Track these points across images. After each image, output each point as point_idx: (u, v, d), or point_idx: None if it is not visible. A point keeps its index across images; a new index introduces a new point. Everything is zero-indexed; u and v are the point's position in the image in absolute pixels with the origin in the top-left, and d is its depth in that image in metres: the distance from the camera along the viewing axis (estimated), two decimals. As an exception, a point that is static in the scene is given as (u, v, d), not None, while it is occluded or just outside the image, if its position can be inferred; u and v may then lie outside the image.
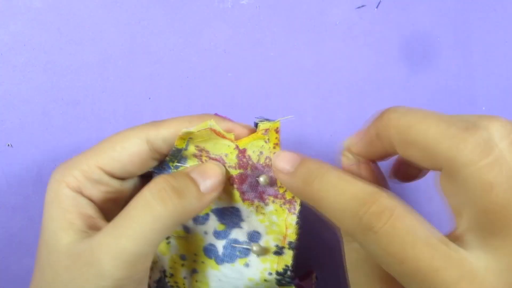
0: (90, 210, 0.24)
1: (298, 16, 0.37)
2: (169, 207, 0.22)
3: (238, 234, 0.27)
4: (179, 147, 0.25)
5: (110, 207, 0.26)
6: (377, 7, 0.38)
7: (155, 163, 0.26)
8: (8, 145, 0.34)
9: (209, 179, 0.24)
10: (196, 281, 0.27)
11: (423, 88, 0.39)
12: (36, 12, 0.34)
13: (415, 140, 0.19)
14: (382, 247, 0.19)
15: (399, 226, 0.19)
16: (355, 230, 0.20)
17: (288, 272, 0.26)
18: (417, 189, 0.38)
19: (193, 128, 0.24)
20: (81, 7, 0.35)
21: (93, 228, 0.24)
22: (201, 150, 0.25)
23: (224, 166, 0.25)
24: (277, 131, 0.24)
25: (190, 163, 0.26)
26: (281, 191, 0.25)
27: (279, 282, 0.27)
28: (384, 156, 0.23)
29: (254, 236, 0.26)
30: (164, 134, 0.25)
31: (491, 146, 0.18)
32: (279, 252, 0.26)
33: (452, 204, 0.20)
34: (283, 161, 0.23)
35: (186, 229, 0.27)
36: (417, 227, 0.19)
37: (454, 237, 0.19)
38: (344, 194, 0.20)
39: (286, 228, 0.26)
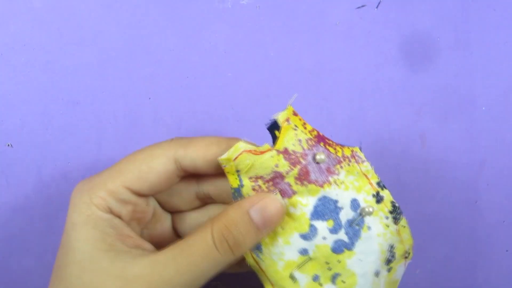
0: (127, 230, 0.25)
1: (298, 16, 0.37)
2: (229, 256, 0.24)
3: (347, 214, 0.27)
4: (235, 186, 0.25)
5: (135, 227, 0.27)
6: (377, 7, 0.38)
7: (178, 180, 0.27)
8: (8, 145, 0.34)
9: (268, 215, 0.25)
10: (343, 281, 0.27)
11: (423, 88, 0.39)
12: (36, 12, 0.34)
13: None
14: None
15: None
16: None
17: (396, 204, 0.27)
18: (417, 189, 0.38)
19: (226, 155, 0.24)
20: (81, 7, 0.35)
21: (136, 247, 0.24)
22: (256, 179, 0.26)
23: (285, 176, 0.26)
24: (295, 114, 0.25)
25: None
26: (339, 154, 0.27)
27: (395, 219, 0.27)
28: None
29: (355, 205, 0.27)
30: (192, 155, 0.25)
31: None
32: (379, 199, 0.27)
33: None
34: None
35: (304, 252, 0.27)
36: None
37: None
38: None
39: (366, 176, 0.27)
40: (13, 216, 0.34)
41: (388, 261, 0.28)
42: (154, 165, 0.25)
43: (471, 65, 0.39)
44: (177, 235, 0.30)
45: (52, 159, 0.34)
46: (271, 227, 0.25)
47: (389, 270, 0.28)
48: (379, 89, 0.38)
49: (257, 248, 0.27)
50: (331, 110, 0.37)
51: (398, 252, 0.28)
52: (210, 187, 0.28)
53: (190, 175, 0.27)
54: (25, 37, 0.34)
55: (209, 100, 0.36)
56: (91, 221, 0.24)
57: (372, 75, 0.38)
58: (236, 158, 0.25)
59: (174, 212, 0.30)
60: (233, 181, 0.26)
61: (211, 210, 0.29)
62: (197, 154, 0.25)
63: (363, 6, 0.38)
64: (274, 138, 0.26)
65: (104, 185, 0.24)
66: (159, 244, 0.26)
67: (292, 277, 0.27)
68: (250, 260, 0.27)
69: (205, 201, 0.29)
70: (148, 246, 0.25)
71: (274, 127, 0.26)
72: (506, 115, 0.40)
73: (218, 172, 0.26)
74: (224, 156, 0.25)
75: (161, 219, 0.29)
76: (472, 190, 0.39)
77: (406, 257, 0.28)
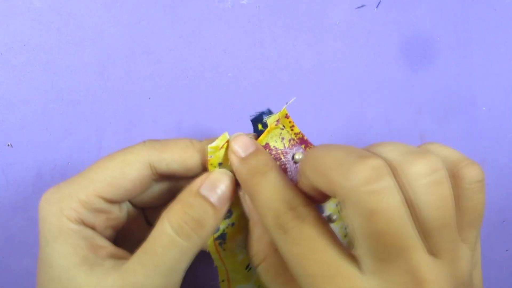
0: (99, 240, 0.24)
1: (298, 16, 0.37)
2: (193, 240, 0.23)
3: None
4: None
5: (110, 233, 0.26)
6: (377, 7, 0.38)
7: (154, 183, 0.26)
8: (8, 145, 0.34)
9: (220, 191, 0.24)
10: None
11: (423, 88, 0.39)
12: (36, 12, 0.34)
13: (320, 170, 0.21)
14: (288, 247, 0.21)
15: (306, 232, 0.20)
16: (272, 227, 0.22)
17: None
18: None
19: (215, 143, 0.24)
20: (81, 7, 0.35)
21: (109, 257, 0.24)
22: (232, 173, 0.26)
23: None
24: (287, 116, 0.25)
25: None
26: None
27: None
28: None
29: (320, 210, 0.27)
30: (167, 159, 0.24)
31: (382, 174, 0.18)
32: (342, 208, 0.28)
33: (349, 228, 0.20)
34: (238, 145, 0.24)
35: None
36: (321, 238, 0.20)
37: (354, 258, 0.20)
38: (274, 195, 0.22)
39: None
40: (13, 216, 0.34)
41: None
42: (128, 172, 0.24)
43: (471, 65, 0.39)
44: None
45: (52, 159, 0.34)
46: (226, 202, 0.24)
47: None
48: (379, 89, 0.38)
49: (221, 237, 0.27)
50: (331, 110, 0.37)
51: None
52: (186, 183, 0.27)
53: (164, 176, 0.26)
54: (25, 37, 0.34)
55: (209, 100, 0.36)
56: (63, 234, 0.23)
57: (372, 75, 0.38)
58: (222, 146, 0.25)
59: (147, 207, 0.29)
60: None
61: None
62: (172, 158, 0.24)
63: (363, 6, 0.38)
64: (256, 131, 0.26)
65: (76, 194, 0.24)
66: (139, 244, 0.26)
67: (248, 267, 0.27)
68: (211, 248, 0.27)
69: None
70: (122, 253, 0.25)
71: (258, 120, 0.26)
72: (506, 115, 0.40)
73: (195, 173, 0.25)
74: (214, 144, 0.24)
75: (136, 219, 0.28)
76: (472, 190, 0.39)
77: None
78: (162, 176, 0.26)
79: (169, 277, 0.22)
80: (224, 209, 0.24)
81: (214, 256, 0.27)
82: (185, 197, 0.24)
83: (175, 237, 0.22)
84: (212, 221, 0.24)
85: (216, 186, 0.24)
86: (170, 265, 0.22)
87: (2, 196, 0.34)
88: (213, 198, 0.24)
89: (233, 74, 0.36)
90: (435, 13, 0.39)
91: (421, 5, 0.39)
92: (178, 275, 0.23)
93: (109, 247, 0.24)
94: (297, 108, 0.37)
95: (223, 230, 0.27)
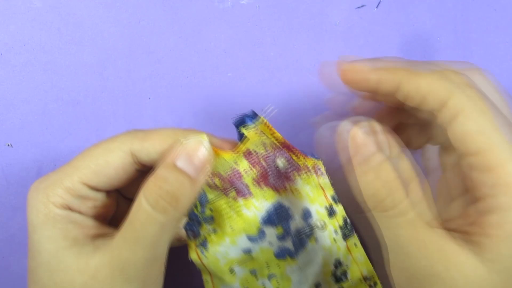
0: (87, 222, 0.24)
1: (298, 16, 0.37)
2: (171, 213, 0.23)
3: (296, 224, 0.27)
4: None
5: (100, 221, 0.26)
6: (377, 7, 0.38)
7: (138, 174, 0.26)
8: (8, 145, 0.34)
9: (196, 161, 0.24)
10: (278, 282, 0.28)
11: (423, 88, 0.39)
12: (36, 12, 0.34)
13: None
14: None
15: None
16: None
17: (348, 220, 0.27)
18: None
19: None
20: (81, 7, 0.35)
21: (98, 236, 0.24)
22: (213, 176, 0.26)
23: (243, 174, 0.26)
24: (266, 124, 0.25)
25: (210, 196, 0.26)
26: (300, 163, 0.26)
27: (344, 235, 0.27)
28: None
29: (307, 215, 0.27)
30: (148, 149, 0.24)
31: None
32: (331, 212, 0.27)
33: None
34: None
35: (248, 251, 0.27)
36: None
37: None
38: None
39: (322, 189, 0.27)
40: (13, 216, 0.34)
41: (337, 278, 0.28)
42: (111, 159, 0.24)
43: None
44: None
45: (52, 159, 0.34)
46: (204, 172, 0.24)
47: None
48: (379, 89, 0.38)
49: (203, 245, 0.27)
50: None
51: (353, 274, 0.27)
52: None
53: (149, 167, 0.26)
54: (25, 37, 0.34)
55: (209, 100, 0.36)
56: (50, 220, 0.23)
57: (372, 75, 0.38)
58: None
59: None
60: None
61: None
62: (153, 148, 0.24)
63: (363, 6, 0.38)
64: (238, 134, 0.26)
65: (61, 182, 0.24)
66: None
67: (231, 270, 0.27)
68: (193, 256, 0.27)
69: None
70: (112, 231, 0.25)
71: (240, 123, 0.26)
72: (506, 115, 0.40)
73: None
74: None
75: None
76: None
77: (371, 286, 0.27)
78: (147, 167, 0.26)
79: (152, 250, 0.23)
80: (202, 179, 0.24)
81: (197, 262, 0.27)
82: (161, 170, 0.23)
83: (152, 212, 0.22)
84: (189, 192, 0.23)
85: (192, 156, 0.24)
86: (151, 239, 0.22)
87: (2, 196, 0.34)
88: (190, 170, 0.23)
89: (233, 74, 0.36)
90: (435, 13, 0.39)
91: (421, 5, 0.39)
92: (161, 248, 0.23)
93: (97, 227, 0.25)
94: (297, 108, 0.37)
95: (204, 237, 0.27)
